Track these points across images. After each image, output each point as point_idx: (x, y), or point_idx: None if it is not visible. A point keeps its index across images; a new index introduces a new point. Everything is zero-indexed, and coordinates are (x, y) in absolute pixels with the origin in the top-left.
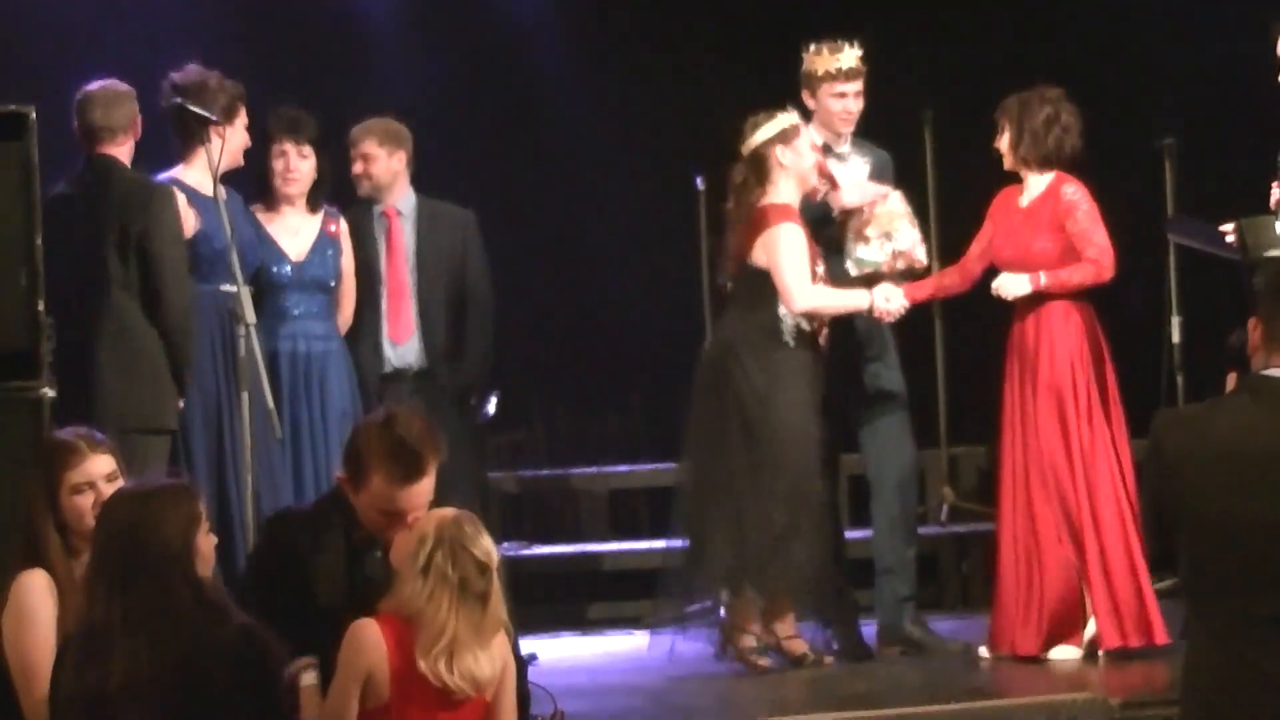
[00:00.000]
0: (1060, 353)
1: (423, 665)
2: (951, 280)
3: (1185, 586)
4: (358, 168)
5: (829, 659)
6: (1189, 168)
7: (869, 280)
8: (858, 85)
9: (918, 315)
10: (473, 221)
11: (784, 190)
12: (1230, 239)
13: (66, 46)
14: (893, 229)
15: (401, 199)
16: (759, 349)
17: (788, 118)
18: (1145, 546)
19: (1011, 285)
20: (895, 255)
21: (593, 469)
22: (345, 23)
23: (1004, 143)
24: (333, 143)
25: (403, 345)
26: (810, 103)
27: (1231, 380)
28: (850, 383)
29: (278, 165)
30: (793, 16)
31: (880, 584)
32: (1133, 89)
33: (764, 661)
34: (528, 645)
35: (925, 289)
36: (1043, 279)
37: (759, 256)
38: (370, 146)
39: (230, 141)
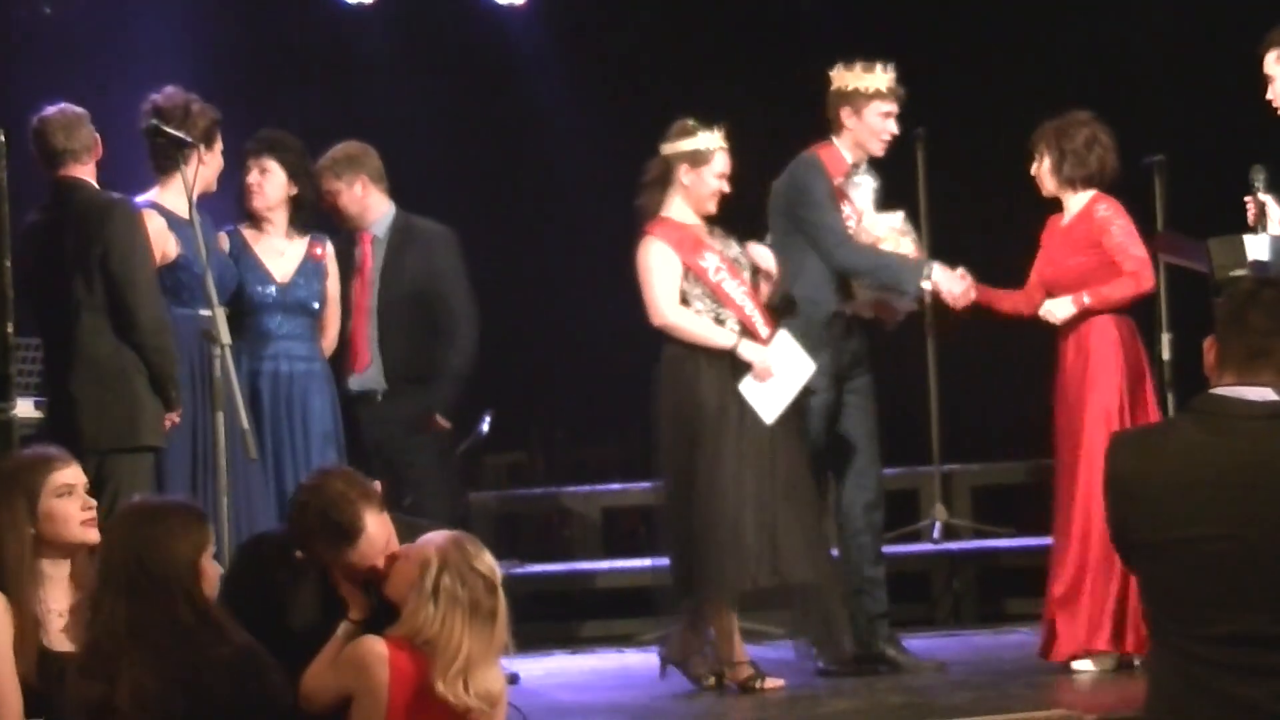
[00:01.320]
0: (1102, 371)
1: (441, 688)
2: (1015, 301)
3: (1144, 608)
4: (329, 203)
5: (778, 681)
6: (1179, 185)
7: (876, 302)
8: (898, 107)
9: (910, 334)
10: (450, 239)
11: (677, 207)
12: None
13: (39, 69)
14: (899, 250)
15: (376, 221)
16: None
17: (709, 139)
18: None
19: (1057, 309)
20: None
21: (585, 488)
22: (333, 49)
23: (1043, 168)
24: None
25: (361, 373)
26: (850, 120)
27: None
28: (830, 405)
29: (244, 181)
30: (787, 36)
31: (852, 604)
32: (1122, 107)
33: (769, 683)
34: (516, 664)
35: (986, 294)
36: (1086, 298)
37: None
38: (330, 182)
39: (207, 166)
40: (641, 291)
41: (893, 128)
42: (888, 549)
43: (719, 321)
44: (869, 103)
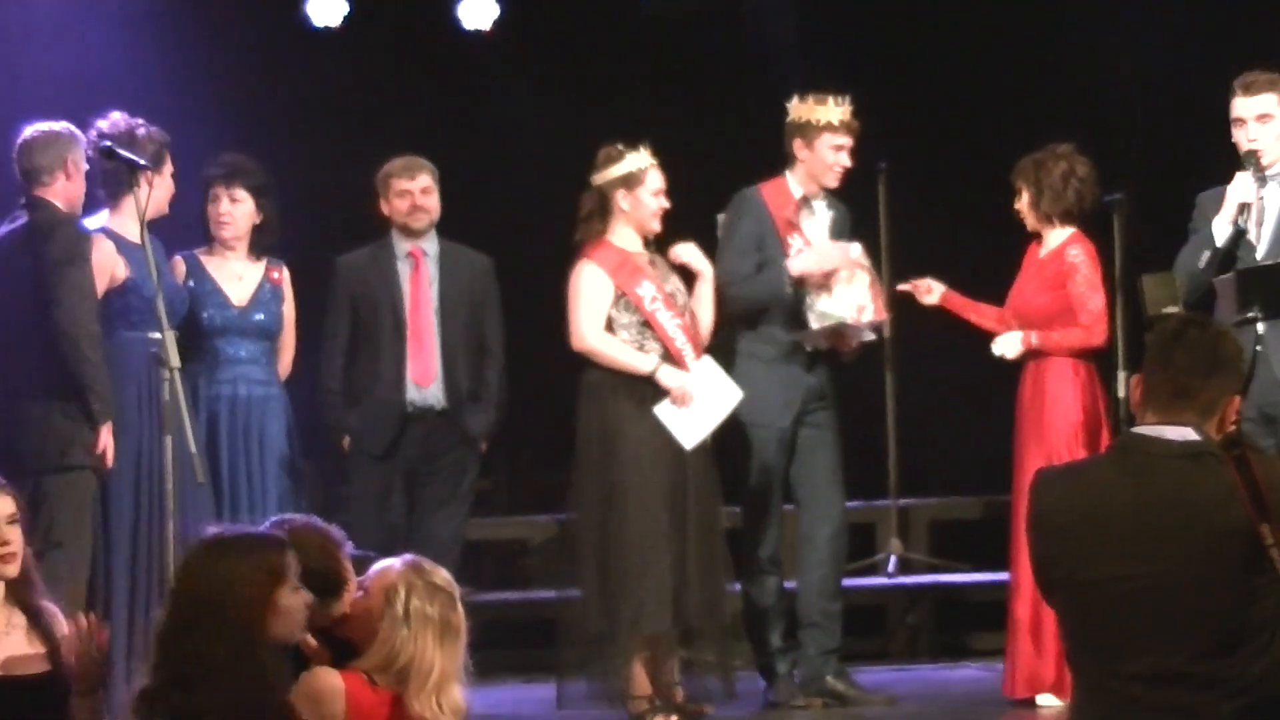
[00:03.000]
0: (1058, 411)
1: (417, 708)
2: (985, 317)
3: (1064, 644)
4: (413, 202)
5: (708, 708)
6: (1138, 224)
7: (832, 333)
8: (852, 141)
9: (869, 368)
10: (491, 268)
11: (621, 233)
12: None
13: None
14: (853, 282)
15: (428, 240)
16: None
17: (637, 159)
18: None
19: (1007, 347)
20: (859, 310)
21: (545, 517)
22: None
23: (1023, 203)
24: (279, 190)
25: (426, 388)
26: (803, 152)
27: None
28: (787, 437)
29: (211, 210)
30: (753, 68)
31: (804, 636)
32: (1083, 145)
33: (661, 718)
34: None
35: (956, 302)
36: (1034, 339)
37: None
38: (428, 180)
39: (158, 189)
40: (567, 313)
41: (845, 160)
42: (843, 582)
43: (641, 348)
44: (820, 135)
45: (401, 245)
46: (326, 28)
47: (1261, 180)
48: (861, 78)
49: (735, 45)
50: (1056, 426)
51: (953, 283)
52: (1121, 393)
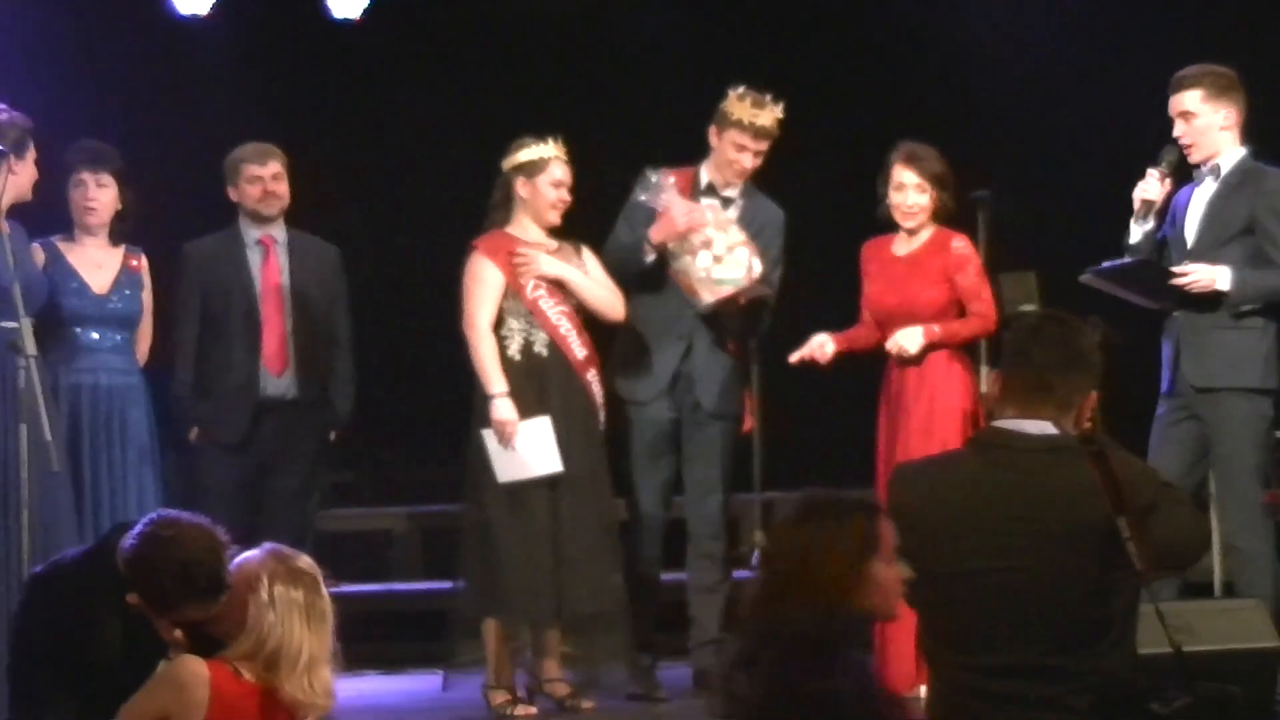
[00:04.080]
0: (942, 404)
1: (289, 689)
2: (866, 338)
3: (922, 639)
4: (264, 188)
5: (588, 703)
6: (1002, 221)
7: (731, 300)
8: (762, 146)
9: None
10: (339, 258)
11: (520, 222)
12: (1185, 280)
13: None
14: (733, 245)
15: (277, 227)
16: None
17: (540, 150)
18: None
19: (909, 341)
20: (750, 270)
21: (406, 508)
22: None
23: (926, 200)
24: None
25: (279, 377)
26: (714, 140)
27: None
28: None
29: (75, 195)
30: (620, 64)
31: (692, 628)
32: (948, 142)
33: (521, 710)
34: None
35: (844, 341)
36: (937, 330)
37: None
38: (279, 166)
39: (19, 175)
40: (465, 292)
41: (745, 161)
42: None
43: (528, 342)
44: (729, 129)
45: (251, 232)
46: (194, 15)
47: (1170, 175)
48: (726, 72)
49: (605, 39)
50: (948, 417)
51: (809, 274)
52: (984, 388)
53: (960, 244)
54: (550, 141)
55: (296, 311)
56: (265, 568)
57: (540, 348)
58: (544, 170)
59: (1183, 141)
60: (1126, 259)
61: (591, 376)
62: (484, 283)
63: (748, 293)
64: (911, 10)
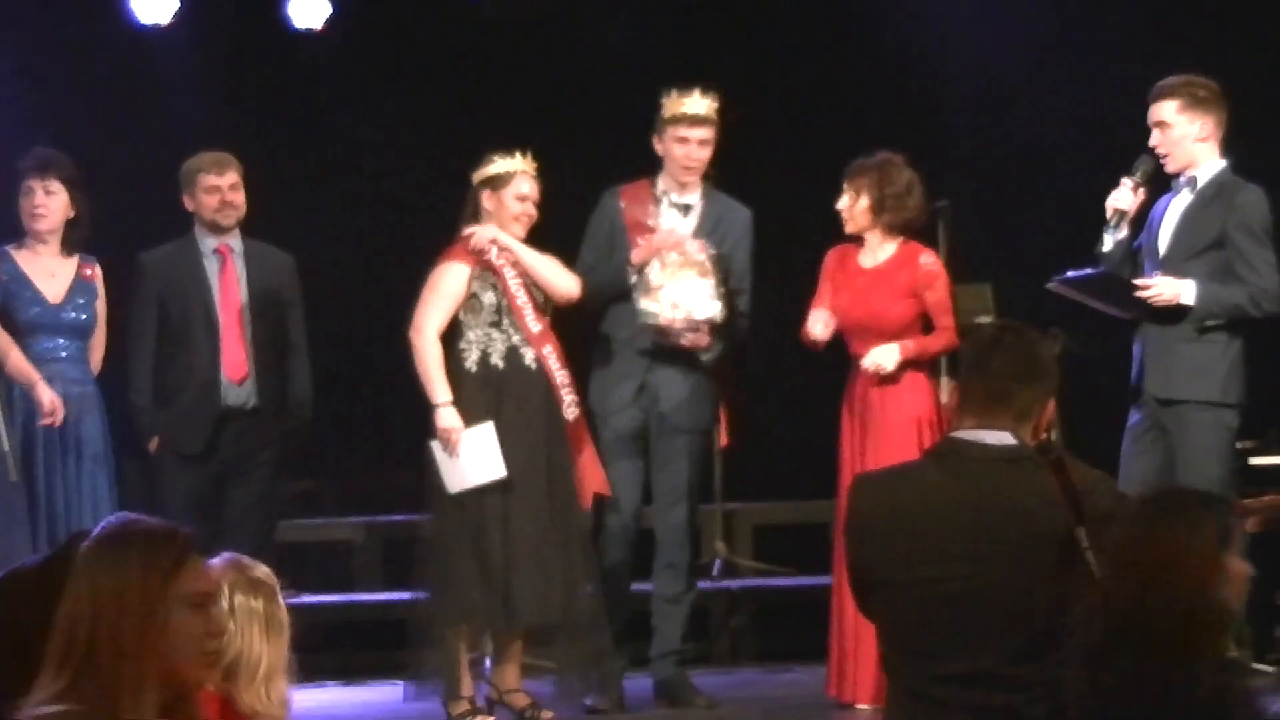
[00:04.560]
0: (908, 414)
1: (247, 700)
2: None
3: (880, 648)
4: (222, 198)
5: (548, 714)
6: (962, 230)
7: (660, 332)
8: (703, 133)
9: None
10: (295, 266)
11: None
12: (1149, 293)
13: None
14: (677, 281)
15: (233, 236)
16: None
17: (507, 164)
18: (857, 605)
19: (886, 359)
20: (674, 308)
21: (366, 518)
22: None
23: (857, 207)
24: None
25: (240, 385)
26: (659, 147)
27: None
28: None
29: (25, 203)
30: (588, 73)
31: (652, 636)
32: (910, 152)
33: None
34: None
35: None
36: (911, 346)
37: None
38: (236, 176)
39: None
40: (420, 298)
41: (694, 154)
42: None
43: (485, 355)
44: (667, 128)
45: (207, 241)
46: (155, 24)
47: (1145, 184)
48: (694, 81)
49: (573, 47)
50: (913, 427)
51: (777, 283)
52: (944, 399)
53: (929, 260)
54: (519, 155)
55: (255, 320)
56: (225, 577)
57: (497, 359)
58: (508, 184)
59: (1158, 151)
60: (1090, 269)
61: (569, 399)
62: (440, 292)
63: (672, 333)
64: (874, 19)
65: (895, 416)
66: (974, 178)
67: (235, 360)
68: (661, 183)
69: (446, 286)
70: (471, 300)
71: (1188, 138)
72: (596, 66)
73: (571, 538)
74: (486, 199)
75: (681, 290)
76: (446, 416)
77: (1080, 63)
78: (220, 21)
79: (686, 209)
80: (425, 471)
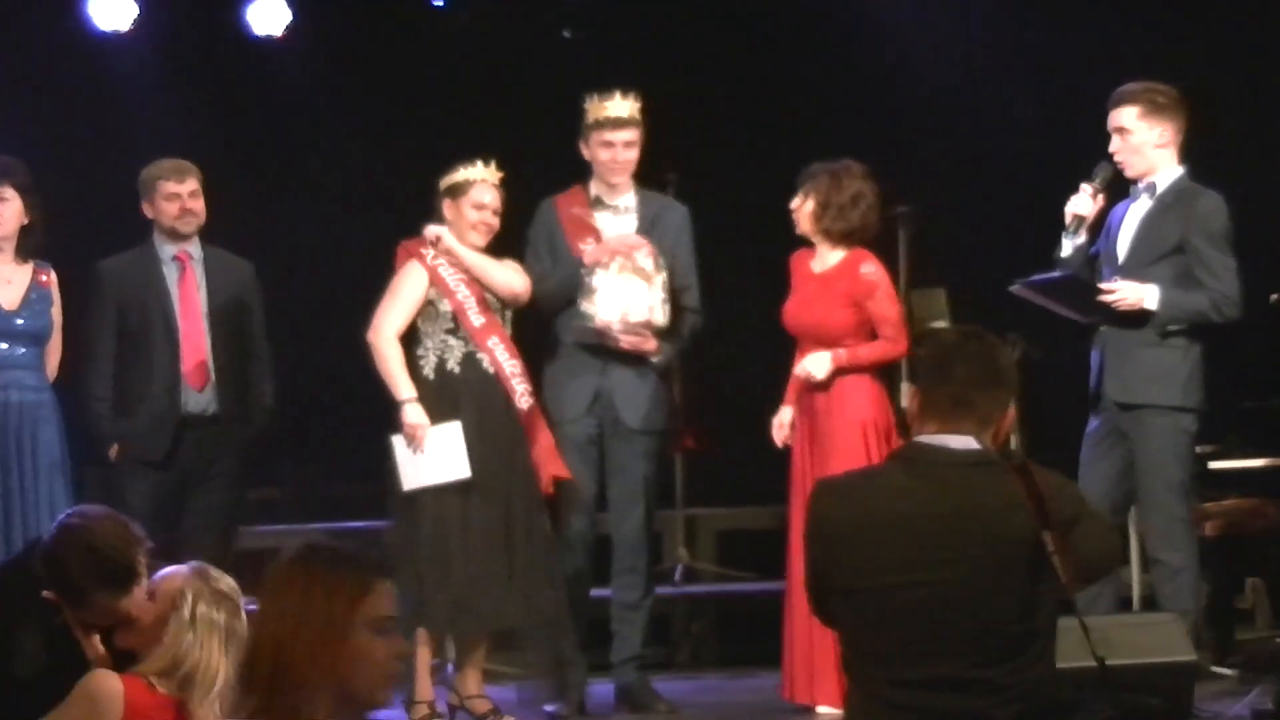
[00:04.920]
0: (855, 421)
1: (201, 714)
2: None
3: (843, 653)
4: (182, 206)
5: (509, 718)
6: (922, 236)
7: (598, 334)
8: (628, 135)
9: None
10: (254, 273)
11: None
12: (1112, 297)
13: None
14: (618, 284)
15: (192, 243)
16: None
17: (468, 172)
18: (813, 610)
19: (817, 368)
20: (611, 310)
21: (328, 525)
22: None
23: (806, 210)
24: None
25: (201, 392)
26: (586, 152)
27: None
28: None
29: None
30: (549, 78)
31: (614, 644)
32: (870, 157)
33: None
34: None
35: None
36: (843, 355)
37: None
38: (195, 183)
39: None
40: (381, 301)
41: (621, 156)
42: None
43: (442, 361)
44: (591, 133)
45: (166, 249)
46: (115, 31)
47: (1104, 190)
48: (655, 87)
49: (532, 52)
50: (863, 432)
51: (738, 289)
52: (905, 403)
53: (869, 268)
54: (480, 164)
55: (215, 327)
56: (190, 585)
57: (454, 365)
58: (466, 193)
59: (1117, 157)
60: (1055, 272)
61: (521, 389)
62: (399, 295)
63: (615, 335)
64: (839, 26)
65: (840, 422)
66: (934, 183)
67: (196, 367)
68: (594, 188)
69: (406, 290)
70: (428, 307)
71: (1148, 144)
72: (553, 75)
73: (535, 543)
74: (447, 208)
75: (620, 294)
76: (413, 413)
77: (1039, 69)
78: (180, 28)
79: (622, 210)
80: (386, 474)
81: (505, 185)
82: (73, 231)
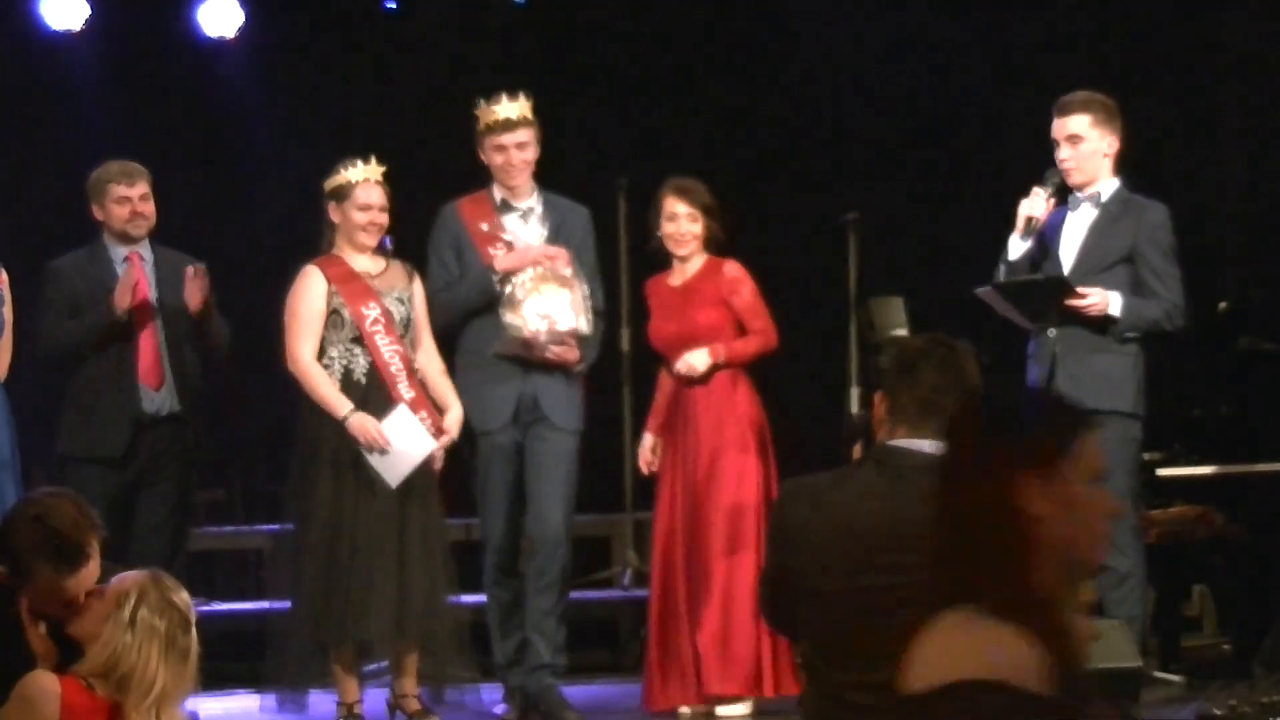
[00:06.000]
0: (742, 415)
1: (135, 718)
2: (662, 389)
3: (803, 654)
4: (132, 209)
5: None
6: (871, 243)
7: (525, 346)
8: (520, 136)
9: (605, 380)
10: (204, 272)
11: (345, 247)
12: (1085, 301)
13: None
14: (540, 294)
15: (143, 245)
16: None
17: (349, 174)
18: (763, 611)
19: (697, 361)
20: (540, 319)
21: (277, 527)
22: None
23: (694, 229)
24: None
25: (157, 392)
26: (484, 159)
27: (857, 453)
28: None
29: None
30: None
31: (525, 649)
32: (818, 166)
33: None
34: (198, 702)
35: (654, 425)
36: (721, 350)
37: None
38: (146, 186)
39: None
40: (285, 326)
41: (515, 158)
42: (577, 594)
43: (348, 371)
44: (484, 139)
45: (117, 250)
46: (66, 30)
47: (1058, 196)
48: (604, 93)
49: (483, 55)
50: (736, 428)
51: None
52: (854, 408)
53: (732, 268)
54: (361, 163)
55: (168, 327)
56: (138, 587)
57: (360, 375)
58: (349, 195)
59: (1065, 165)
60: (1029, 275)
61: (422, 417)
62: (302, 316)
63: (542, 346)
64: (786, 35)
65: (730, 417)
66: (880, 190)
67: (150, 366)
68: (496, 192)
69: (307, 308)
70: (333, 316)
71: (1097, 153)
72: (500, 78)
73: (432, 551)
74: (332, 212)
75: (544, 303)
76: (358, 422)
77: (984, 78)
78: (131, 28)
79: (527, 214)
80: (291, 482)
81: (457, 183)
82: (21, 231)
